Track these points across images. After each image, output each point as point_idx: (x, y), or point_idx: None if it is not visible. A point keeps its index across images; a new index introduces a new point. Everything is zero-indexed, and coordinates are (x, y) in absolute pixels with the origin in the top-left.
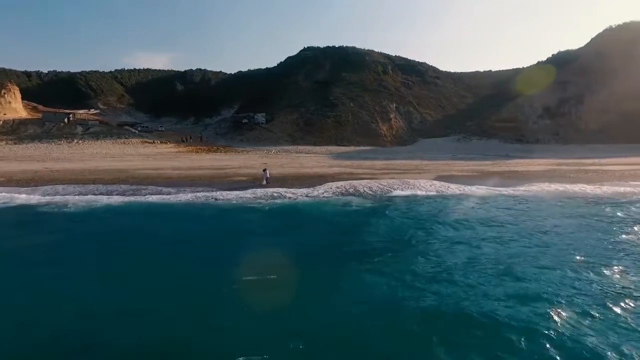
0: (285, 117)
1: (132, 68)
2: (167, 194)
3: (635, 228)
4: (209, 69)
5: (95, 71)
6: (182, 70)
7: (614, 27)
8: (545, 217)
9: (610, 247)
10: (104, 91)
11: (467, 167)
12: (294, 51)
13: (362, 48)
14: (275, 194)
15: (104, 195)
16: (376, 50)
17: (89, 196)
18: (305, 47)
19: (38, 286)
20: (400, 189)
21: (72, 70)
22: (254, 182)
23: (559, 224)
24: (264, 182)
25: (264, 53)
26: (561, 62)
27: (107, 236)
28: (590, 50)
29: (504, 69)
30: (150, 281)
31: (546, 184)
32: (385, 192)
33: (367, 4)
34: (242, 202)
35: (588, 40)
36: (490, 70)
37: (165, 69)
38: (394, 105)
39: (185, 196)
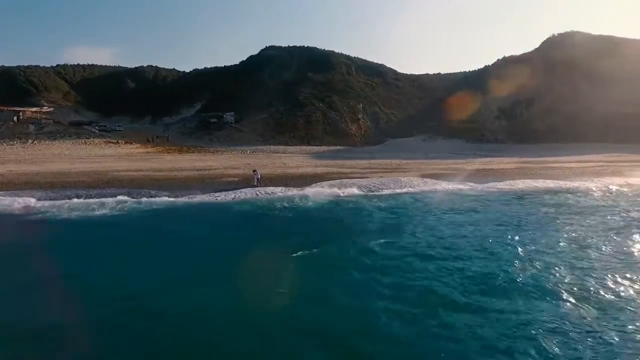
0: (255, 117)
1: (75, 63)
2: (175, 197)
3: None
4: (160, 65)
5: (36, 66)
6: (132, 66)
7: (556, 35)
8: (550, 208)
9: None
10: (48, 88)
11: (447, 166)
12: (251, 50)
13: (323, 48)
14: (281, 194)
15: (107, 198)
16: (337, 51)
17: (89, 200)
18: (268, 45)
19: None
20: (399, 188)
21: (6, 65)
22: (247, 182)
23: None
24: (255, 183)
25: (220, 51)
26: (510, 65)
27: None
28: (537, 56)
29: (455, 71)
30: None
31: (529, 180)
32: (383, 190)
33: (325, 4)
34: (263, 203)
35: (536, 46)
36: (439, 73)
37: (112, 65)
38: (361, 105)
39: (198, 198)
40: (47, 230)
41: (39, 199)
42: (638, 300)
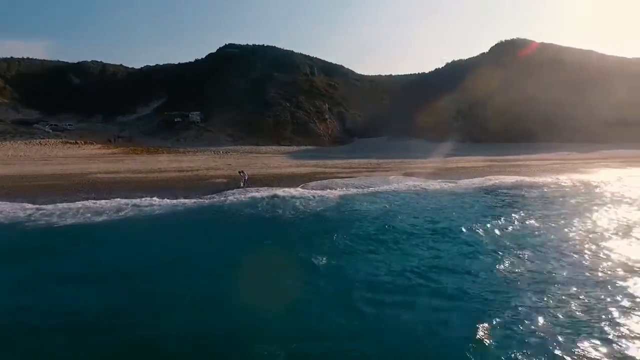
0: (222, 117)
1: (8, 57)
2: (175, 199)
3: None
4: (105, 61)
5: None
6: (74, 61)
7: (504, 41)
8: (534, 199)
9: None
10: None
11: (423, 165)
12: (202, 47)
13: (282, 48)
14: (282, 194)
15: (100, 201)
16: (295, 51)
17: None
18: (227, 43)
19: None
20: (389, 185)
21: None
22: (236, 183)
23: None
24: (242, 184)
25: (168, 48)
26: (462, 68)
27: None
28: (488, 59)
29: (409, 73)
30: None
31: (502, 176)
32: (378, 188)
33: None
34: (272, 205)
35: (486, 50)
36: (391, 75)
37: (50, 59)
38: (326, 105)
39: (195, 201)
40: (59, 246)
41: (25, 205)
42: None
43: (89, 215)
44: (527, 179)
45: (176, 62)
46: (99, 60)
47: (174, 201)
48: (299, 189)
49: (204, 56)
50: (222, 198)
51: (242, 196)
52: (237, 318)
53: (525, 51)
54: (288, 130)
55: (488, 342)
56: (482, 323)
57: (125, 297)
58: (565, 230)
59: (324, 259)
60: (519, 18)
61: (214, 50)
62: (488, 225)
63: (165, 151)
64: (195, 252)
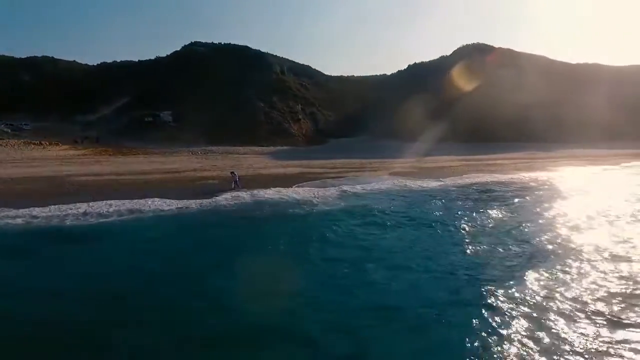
0: (195, 116)
1: None
2: (178, 201)
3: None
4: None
5: None
6: (21, 57)
7: (467, 45)
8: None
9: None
10: None
11: (404, 164)
12: (161, 45)
13: (253, 48)
14: (285, 197)
15: (97, 202)
16: (262, 50)
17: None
18: (193, 41)
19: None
20: (385, 185)
21: None
22: (228, 184)
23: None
24: (233, 185)
25: (122, 44)
26: (426, 70)
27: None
28: (452, 62)
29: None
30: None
31: (480, 174)
32: (374, 187)
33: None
34: (285, 206)
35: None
36: (353, 75)
37: None
38: (299, 106)
39: (195, 203)
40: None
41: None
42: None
43: (93, 219)
44: (503, 176)
45: (135, 60)
46: (50, 56)
47: (177, 203)
48: (295, 189)
49: (165, 54)
50: (227, 200)
51: (247, 198)
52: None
53: (487, 55)
54: (263, 130)
55: None
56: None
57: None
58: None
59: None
60: (475, 23)
61: (172, 48)
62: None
63: (141, 152)
64: (230, 258)
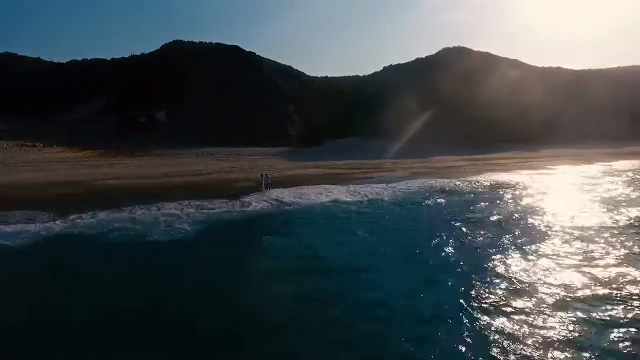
0: (190, 117)
1: None
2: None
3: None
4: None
5: None
6: None
7: (451, 47)
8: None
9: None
10: None
11: (416, 165)
12: (134, 44)
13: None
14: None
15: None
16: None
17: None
18: (174, 40)
19: None
20: (418, 184)
21: None
22: (258, 186)
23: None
24: (263, 188)
25: (87, 40)
26: (403, 72)
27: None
28: (435, 63)
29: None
30: None
31: (495, 173)
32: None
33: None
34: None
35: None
36: (327, 76)
37: None
38: (292, 106)
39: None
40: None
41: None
42: None
43: (175, 225)
44: (516, 175)
45: (108, 58)
46: (15, 53)
47: (232, 203)
48: (355, 187)
49: (139, 52)
50: (288, 205)
51: (302, 200)
52: None
53: (467, 58)
54: (259, 131)
55: None
56: None
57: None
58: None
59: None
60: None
61: (143, 47)
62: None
63: (144, 154)
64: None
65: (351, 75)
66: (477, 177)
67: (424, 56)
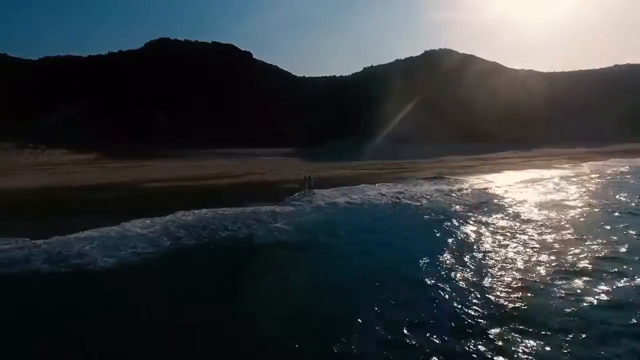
0: (187, 117)
1: None
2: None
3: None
4: None
5: None
6: None
7: (437, 49)
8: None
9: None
10: None
11: (437, 165)
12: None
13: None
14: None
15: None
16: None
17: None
18: (161, 37)
19: None
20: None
21: None
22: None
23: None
24: (307, 190)
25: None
26: (382, 73)
27: None
28: (419, 65)
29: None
30: None
31: (521, 171)
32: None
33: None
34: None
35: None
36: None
37: None
38: (287, 107)
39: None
40: None
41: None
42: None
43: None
44: (545, 171)
45: (86, 55)
46: None
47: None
48: (405, 186)
49: (117, 50)
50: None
51: (369, 196)
52: None
53: (450, 60)
54: (260, 130)
55: None
56: None
57: None
58: None
59: None
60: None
61: (118, 45)
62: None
63: (153, 156)
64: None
65: (328, 75)
66: (514, 173)
67: (403, 58)
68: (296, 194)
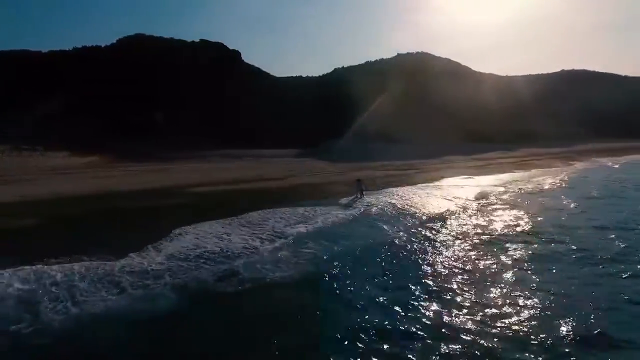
0: (185, 118)
1: None
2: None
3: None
4: None
5: None
6: None
7: (413, 52)
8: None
9: None
10: None
11: (439, 167)
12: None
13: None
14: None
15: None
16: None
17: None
18: (137, 33)
19: None
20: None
21: None
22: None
23: None
24: (358, 194)
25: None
26: (356, 73)
27: None
28: (392, 66)
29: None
30: None
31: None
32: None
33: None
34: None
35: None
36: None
37: None
38: (281, 109)
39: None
40: None
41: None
42: None
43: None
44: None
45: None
46: None
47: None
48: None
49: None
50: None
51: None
52: None
53: (431, 63)
54: (261, 132)
55: None
56: None
57: None
58: None
59: None
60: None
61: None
62: None
63: (159, 159)
64: None
65: (303, 75)
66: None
67: (373, 60)
68: (349, 197)
